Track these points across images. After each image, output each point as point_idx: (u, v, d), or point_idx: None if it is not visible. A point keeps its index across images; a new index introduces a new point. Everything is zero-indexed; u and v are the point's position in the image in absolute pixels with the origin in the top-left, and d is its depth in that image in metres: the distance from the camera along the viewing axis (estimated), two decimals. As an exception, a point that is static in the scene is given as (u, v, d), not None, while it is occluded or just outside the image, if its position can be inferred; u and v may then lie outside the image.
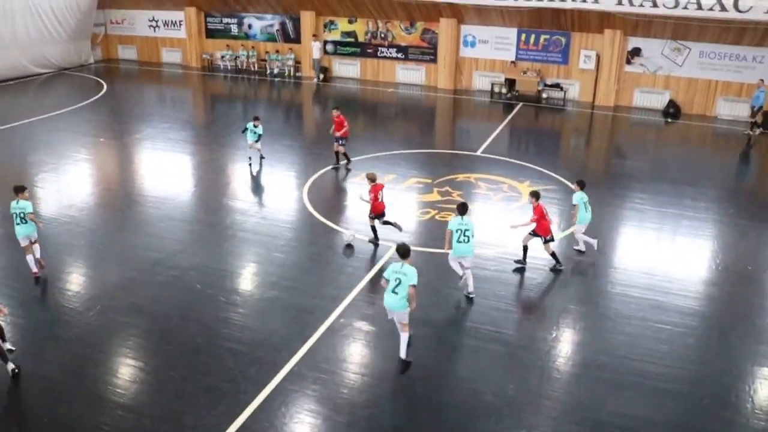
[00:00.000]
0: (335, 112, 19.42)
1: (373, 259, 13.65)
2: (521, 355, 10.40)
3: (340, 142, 19.24)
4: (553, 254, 13.17)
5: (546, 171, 18.91)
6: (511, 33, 28.60)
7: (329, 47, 32.32)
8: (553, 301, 12.13)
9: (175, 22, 35.61)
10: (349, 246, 14.33)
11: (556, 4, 25.75)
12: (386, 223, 14.39)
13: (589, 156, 22.52)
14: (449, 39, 29.36)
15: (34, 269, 12.81)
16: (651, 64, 26.82)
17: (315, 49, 31.86)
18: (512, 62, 28.85)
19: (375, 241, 14.34)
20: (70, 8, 33.99)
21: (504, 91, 29.02)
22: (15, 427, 8.94)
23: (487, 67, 29.66)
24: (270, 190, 17.71)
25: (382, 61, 31.54)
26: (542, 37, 28.14)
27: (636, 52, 26.89)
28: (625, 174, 19.58)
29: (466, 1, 27.26)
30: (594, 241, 13.92)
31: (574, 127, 25.64)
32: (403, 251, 9.89)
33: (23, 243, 12.66)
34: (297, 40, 32.71)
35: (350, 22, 31.47)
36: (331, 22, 31.89)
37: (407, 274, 9.66)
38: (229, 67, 34.52)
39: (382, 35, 31.05)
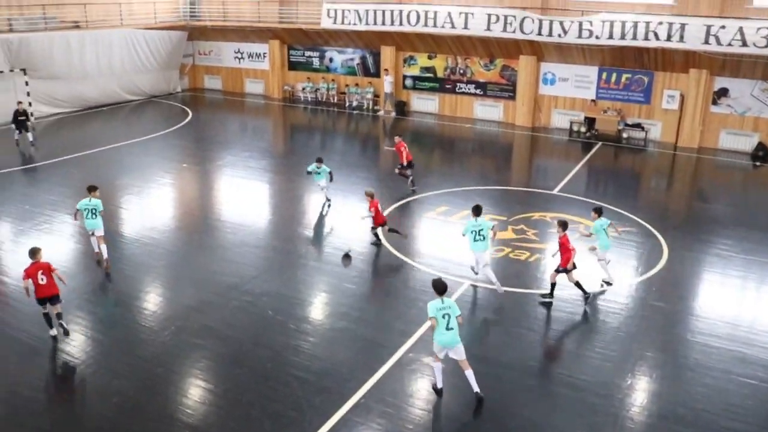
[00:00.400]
0: (398, 139, 20.46)
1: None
2: (594, 402, 10.04)
3: (402, 166, 20.19)
4: (576, 284, 12.94)
5: (625, 212, 18.41)
6: (592, 71, 28.25)
7: (408, 82, 32.65)
8: (630, 347, 11.70)
9: (260, 54, 36.74)
10: (347, 256, 15.17)
11: (640, 43, 25.33)
12: (391, 230, 15.78)
13: (671, 198, 21.83)
14: (528, 76, 29.22)
15: (96, 249, 14.81)
16: (739, 105, 25.94)
17: (386, 83, 32.30)
18: (592, 101, 28.45)
19: (377, 242, 15.90)
20: (162, 40, 35.61)
21: (583, 129, 28.58)
22: (89, 441, 9.20)
23: (567, 106, 29.34)
24: (344, 221, 17.86)
25: (460, 97, 31.63)
26: (624, 76, 27.67)
27: (723, 92, 26.08)
28: (708, 218, 18.87)
29: (546, 39, 27.14)
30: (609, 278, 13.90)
31: (656, 169, 24.96)
32: (442, 287, 9.86)
33: (90, 233, 14.72)
34: (377, 74, 33.19)
35: (430, 57, 31.76)
36: (411, 58, 32.25)
37: (451, 307, 9.75)
38: (309, 99, 35.26)
39: (461, 71, 31.17)
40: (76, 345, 11.54)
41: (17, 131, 25.44)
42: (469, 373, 9.86)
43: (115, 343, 11.62)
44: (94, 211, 14.51)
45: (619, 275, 14.38)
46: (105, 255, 14.56)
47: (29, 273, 11.47)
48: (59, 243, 16.22)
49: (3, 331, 12.08)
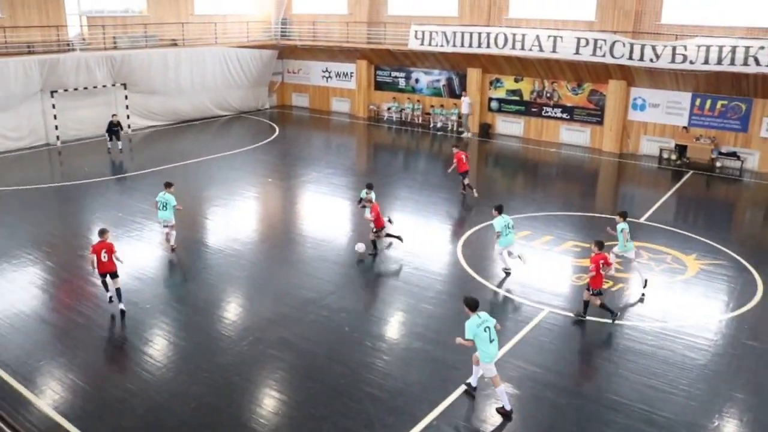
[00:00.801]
0: (455, 150, 21.57)
1: (520, 321, 13.27)
2: (677, 441, 9.60)
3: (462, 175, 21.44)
4: (601, 306, 12.93)
5: (716, 245, 17.64)
6: (685, 97, 27.33)
7: (494, 104, 32.47)
8: (718, 387, 11.13)
9: (347, 73, 37.37)
10: (361, 261, 15.96)
11: (738, 69, 24.35)
12: (389, 236, 16.38)
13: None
14: (618, 101, 28.55)
15: (165, 239, 16.77)
16: None
17: (464, 104, 32.25)
18: (684, 128, 27.49)
19: (374, 251, 16.40)
20: (253, 58, 36.76)
21: (673, 157, 27.63)
22: (166, 444, 9.45)
23: (657, 132, 28.47)
24: (424, 242, 17.82)
25: (545, 121, 31.20)
26: (719, 103, 26.64)
27: (828, 123, 24.76)
28: (808, 255, 17.86)
29: (637, 64, 26.48)
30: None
31: (752, 200, 23.81)
32: (475, 303, 10.05)
33: (161, 223, 16.64)
34: (462, 96, 33.19)
35: (516, 80, 31.52)
36: (497, 80, 32.09)
37: (488, 319, 10.03)
38: (394, 119, 35.55)
39: (548, 95, 30.78)
40: (158, 349, 11.93)
41: (109, 140, 27.44)
42: (501, 390, 10.08)
43: (195, 350, 11.94)
44: (165, 204, 16.26)
45: (707, 310, 13.78)
46: (172, 241, 16.64)
47: (95, 249, 13.18)
48: (148, 250, 16.85)
49: (93, 331, 12.62)
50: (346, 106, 37.89)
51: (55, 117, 28.72)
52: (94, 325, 12.89)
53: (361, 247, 16.36)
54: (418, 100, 35.00)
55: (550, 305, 13.77)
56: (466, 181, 21.60)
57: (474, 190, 21.54)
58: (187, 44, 34.22)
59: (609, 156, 28.60)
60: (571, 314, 13.31)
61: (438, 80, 34.23)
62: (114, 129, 27.36)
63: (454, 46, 30.98)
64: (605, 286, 14.70)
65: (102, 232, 13.48)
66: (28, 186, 22.55)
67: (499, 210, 15.32)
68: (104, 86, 30.38)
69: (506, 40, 29.43)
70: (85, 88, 29.60)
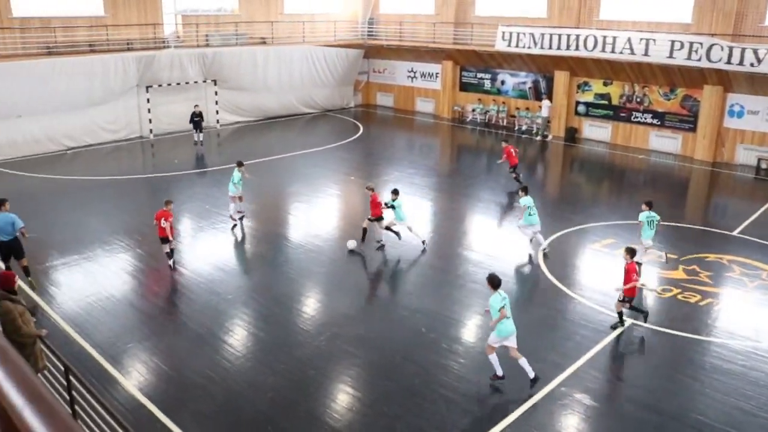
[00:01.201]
0: (504, 144, 22.81)
1: (601, 330, 12.91)
2: (766, 465, 9.14)
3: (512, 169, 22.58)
4: (620, 314, 12.83)
5: (816, 261, 16.69)
6: (788, 105, 25.97)
7: (581, 108, 31.75)
8: (813, 411, 10.53)
9: (432, 74, 37.31)
10: (352, 251, 16.38)
11: None
12: (388, 228, 16.61)
13: None
14: (713, 108, 27.39)
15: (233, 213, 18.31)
16: None
17: (544, 108, 31.79)
18: (786, 137, 26.13)
19: (362, 241, 16.80)
20: (339, 57, 37.19)
21: (772, 168, 26.32)
22: (244, 428, 9.66)
23: (755, 141, 27.14)
24: (506, 246, 17.58)
25: (635, 126, 30.25)
26: (826, 113, 25.19)
27: None
28: None
29: (736, 68, 25.32)
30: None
31: None
32: (498, 281, 10.75)
33: (230, 195, 18.33)
34: (549, 98, 32.59)
35: (605, 84, 30.71)
36: (585, 83, 31.36)
37: (506, 297, 10.70)
38: (478, 120, 35.25)
39: (638, 99, 29.84)
40: (238, 339, 12.24)
41: (195, 132, 28.57)
42: (523, 362, 10.65)
43: (273, 342, 12.18)
44: (233, 179, 18.18)
45: (805, 330, 13.07)
46: (231, 211, 18.29)
47: (156, 216, 15.01)
48: (232, 242, 17.31)
49: (178, 318, 13.07)
50: (430, 106, 37.85)
51: (149, 111, 29.89)
52: (179, 312, 13.34)
53: (352, 243, 16.76)
54: (504, 102, 34.60)
55: (632, 318, 13.33)
56: (514, 175, 22.59)
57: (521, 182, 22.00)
58: (276, 43, 34.94)
59: (701, 164, 27.48)
60: (655, 327, 12.86)
61: (524, 82, 33.74)
62: (196, 120, 28.41)
63: (542, 47, 30.46)
64: (692, 300, 14.17)
65: (167, 202, 15.28)
66: (123, 176, 23.55)
67: (525, 191, 16.64)
68: (195, 82, 31.39)
69: (596, 42, 28.70)
70: (178, 83, 30.66)
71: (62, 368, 7.97)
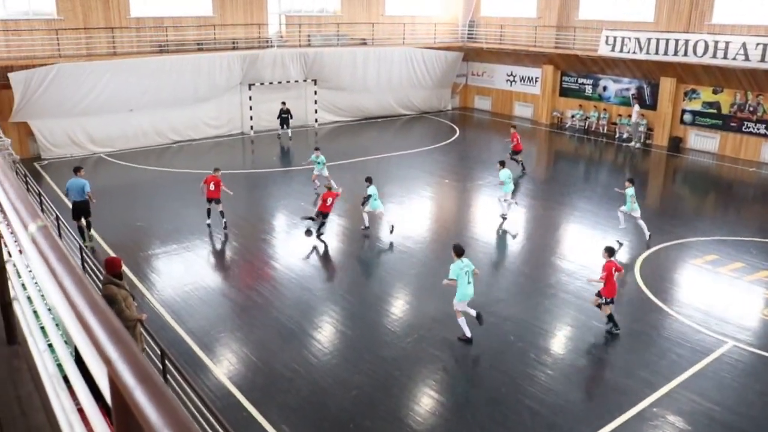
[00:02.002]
0: (513, 130, 24.80)
1: (701, 352, 12.29)
2: None
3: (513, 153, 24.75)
4: (610, 316, 12.64)
5: None
6: None
7: (687, 117, 30.41)
8: None
9: (532, 78, 36.69)
10: (308, 232, 17.57)
11: None
12: (309, 218, 17.51)
13: None
14: (835, 120, 25.66)
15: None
16: None
17: (633, 113, 30.85)
18: None
19: (309, 232, 17.46)
20: (438, 59, 37.14)
21: None
22: (327, 423, 9.78)
23: None
24: (600, 257, 17.03)
25: (746, 137, 28.69)
26: None
27: None
28: None
29: None
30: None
31: None
32: (461, 250, 12.11)
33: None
34: (653, 106, 31.38)
35: (715, 92, 29.28)
36: (693, 91, 30.02)
37: (469, 264, 12.02)
38: (577, 127, 34.39)
39: (751, 108, 28.29)
40: (326, 335, 12.41)
41: (281, 128, 29.81)
42: (462, 320, 12.06)
43: (360, 340, 12.27)
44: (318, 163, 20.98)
45: None
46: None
47: (206, 180, 17.82)
48: (325, 240, 17.56)
49: (269, 312, 13.37)
50: (528, 111, 37.22)
51: (250, 108, 30.82)
52: (270, 305, 13.65)
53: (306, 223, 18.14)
54: (605, 109, 33.60)
55: (734, 338, 12.63)
56: (520, 158, 24.92)
57: (524, 168, 24.96)
58: (376, 44, 35.28)
59: (819, 180, 25.79)
60: (760, 351, 12.16)
61: (627, 89, 32.64)
62: (284, 116, 29.46)
63: (648, 53, 29.36)
64: None
65: (215, 169, 17.82)
66: (223, 171, 24.31)
67: (503, 164, 19.47)
68: (296, 81, 32.11)
69: (707, 47, 27.39)
70: (279, 82, 31.46)
71: (159, 352, 8.30)
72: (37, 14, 26.21)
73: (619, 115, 32.79)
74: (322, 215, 17.20)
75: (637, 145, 30.71)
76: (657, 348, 12.36)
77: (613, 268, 12.55)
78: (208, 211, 17.99)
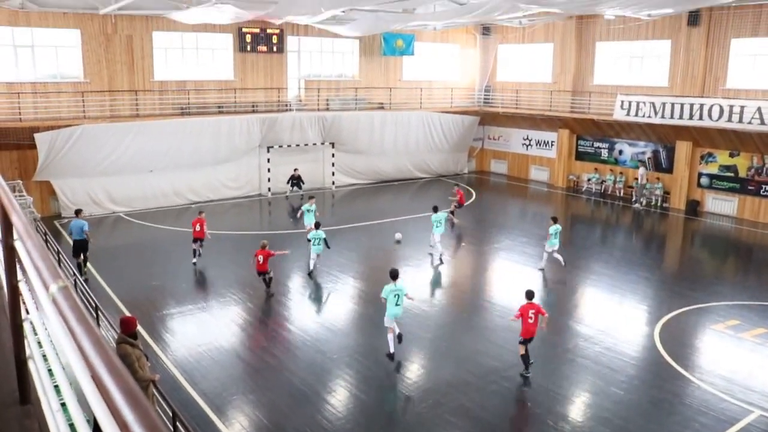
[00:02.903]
0: (455, 188, 26.90)
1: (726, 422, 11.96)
2: None
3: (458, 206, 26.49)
4: (522, 357, 13.24)
5: None
6: None
7: (704, 180, 30.38)
8: None
9: (547, 142, 36.96)
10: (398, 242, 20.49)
11: None
12: (262, 277, 17.57)
13: None
14: None
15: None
16: None
17: (639, 175, 31.58)
18: None
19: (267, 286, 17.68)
20: (455, 123, 37.59)
21: None
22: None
23: None
24: (619, 322, 16.80)
25: (765, 201, 28.55)
26: None
27: None
28: None
29: None
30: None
31: None
32: (395, 274, 13.73)
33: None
34: (669, 170, 31.41)
35: (731, 155, 29.30)
36: (710, 154, 30.06)
37: (402, 289, 13.61)
38: (593, 190, 34.39)
39: (768, 172, 28.23)
40: (339, 399, 12.22)
41: (291, 188, 30.91)
42: (390, 337, 13.51)
43: (374, 405, 12.08)
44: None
45: None
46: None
47: (193, 222, 19.77)
48: (340, 303, 17.52)
49: (282, 374, 13.22)
50: (544, 174, 37.36)
51: (268, 170, 31.19)
52: (284, 368, 13.51)
53: (398, 236, 21.56)
54: (621, 173, 33.66)
55: (761, 407, 12.28)
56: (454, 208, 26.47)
57: (455, 220, 25.82)
58: (394, 108, 35.82)
59: (840, 245, 25.48)
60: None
61: (643, 152, 32.76)
62: (294, 182, 30.74)
63: (663, 117, 29.57)
64: None
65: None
66: (241, 231, 24.52)
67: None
68: (314, 144, 32.55)
69: (722, 111, 27.54)
70: (297, 145, 31.90)
71: (170, 414, 8.20)
72: (65, 77, 27.00)
73: (636, 179, 32.76)
74: (259, 273, 17.61)
75: (642, 205, 30.82)
76: (679, 416, 12.04)
77: (531, 311, 13.26)
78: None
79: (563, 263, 20.10)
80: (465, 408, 11.98)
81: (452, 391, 12.62)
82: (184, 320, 16.05)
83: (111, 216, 26.71)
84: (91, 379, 1.61)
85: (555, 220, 20.37)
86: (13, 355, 3.71)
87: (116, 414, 1.45)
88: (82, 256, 18.48)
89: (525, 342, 13.25)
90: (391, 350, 13.46)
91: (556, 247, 20.10)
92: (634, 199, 31.80)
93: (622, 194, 33.19)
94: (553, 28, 35.52)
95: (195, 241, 20.00)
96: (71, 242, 18.98)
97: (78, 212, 19.32)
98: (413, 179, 36.81)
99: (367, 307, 17.15)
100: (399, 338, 13.70)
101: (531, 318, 13.18)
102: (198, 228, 19.81)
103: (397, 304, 13.42)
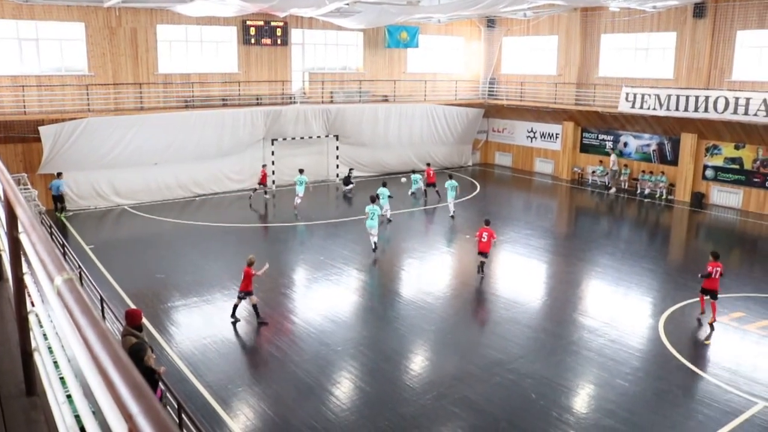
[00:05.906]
0: (427, 166, 30.01)
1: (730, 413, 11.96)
2: None
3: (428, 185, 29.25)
4: (478, 266, 18.51)
5: None
6: None
7: (709, 173, 30.29)
8: None
9: (552, 134, 36.87)
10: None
11: None
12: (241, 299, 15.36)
13: None
14: None
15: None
16: None
17: (611, 161, 32.87)
18: None
19: (233, 318, 15.28)
20: (459, 116, 37.52)
21: None
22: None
23: None
24: (623, 313, 16.81)
25: (769, 193, 28.47)
26: None
27: None
28: None
29: None
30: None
31: None
32: (373, 198, 20.51)
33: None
34: (674, 162, 31.34)
35: (737, 147, 29.20)
36: (715, 147, 29.96)
37: (376, 209, 20.08)
38: (598, 183, 34.33)
39: (774, 165, 28.12)
40: (344, 391, 12.26)
41: (344, 187, 31.13)
42: (374, 239, 19.74)
43: (379, 397, 12.10)
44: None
45: None
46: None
47: (246, 271, 15.17)
48: (344, 294, 17.54)
49: (287, 366, 13.26)
50: (549, 167, 37.29)
51: (273, 163, 31.19)
52: (288, 360, 13.55)
53: (404, 179, 25.58)
54: (626, 165, 33.57)
55: (766, 399, 12.28)
56: (435, 188, 29.07)
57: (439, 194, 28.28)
58: (398, 100, 35.76)
59: None
60: None
61: (648, 145, 32.67)
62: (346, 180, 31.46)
63: (668, 109, 29.47)
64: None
65: (249, 263, 15.15)
66: (245, 224, 24.54)
67: (384, 184, 24.87)
68: (318, 137, 32.54)
69: (727, 103, 27.43)
70: (302, 137, 31.89)
71: (176, 405, 8.24)
72: (70, 71, 26.99)
73: (642, 171, 32.68)
74: (241, 293, 15.38)
75: (613, 190, 32.53)
76: (683, 408, 12.06)
77: (485, 234, 18.25)
78: (246, 304, 15.78)
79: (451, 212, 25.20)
80: (469, 400, 12.00)
81: (456, 383, 12.65)
82: (189, 312, 16.10)
83: (116, 209, 26.78)
84: (97, 371, 1.62)
85: (450, 176, 26.01)
86: (19, 347, 3.74)
87: (121, 406, 1.46)
88: (59, 205, 24.66)
89: (480, 255, 18.43)
90: (372, 247, 20.37)
91: (452, 199, 25.58)
92: (647, 192, 31.75)
93: (626, 186, 33.08)
94: (558, 20, 35.40)
95: (242, 294, 15.37)
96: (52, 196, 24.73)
97: (59, 174, 24.66)
98: (417, 171, 36.71)
99: (370, 299, 17.18)
100: (374, 246, 20.43)
101: (484, 238, 18.26)
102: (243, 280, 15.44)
103: (371, 218, 20.05)
